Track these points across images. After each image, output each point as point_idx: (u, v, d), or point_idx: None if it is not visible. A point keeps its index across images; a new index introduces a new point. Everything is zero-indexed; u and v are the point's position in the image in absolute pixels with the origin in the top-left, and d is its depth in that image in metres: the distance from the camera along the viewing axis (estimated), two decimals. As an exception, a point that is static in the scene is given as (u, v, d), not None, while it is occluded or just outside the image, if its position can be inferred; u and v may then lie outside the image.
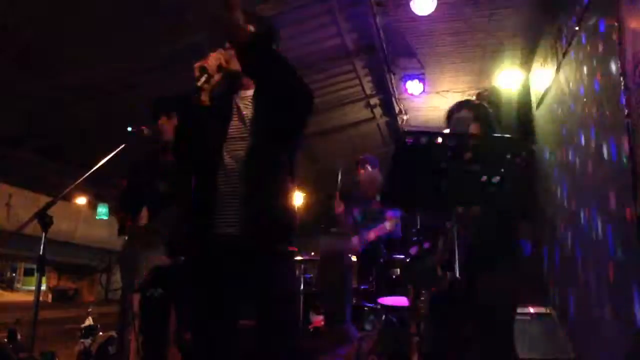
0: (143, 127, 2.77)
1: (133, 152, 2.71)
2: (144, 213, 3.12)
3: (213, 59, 1.85)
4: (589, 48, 3.28)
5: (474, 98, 5.72)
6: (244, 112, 1.95)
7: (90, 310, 4.99)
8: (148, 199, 3.07)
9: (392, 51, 5.22)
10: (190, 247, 1.98)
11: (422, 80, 5.55)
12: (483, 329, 2.30)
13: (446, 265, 2.29)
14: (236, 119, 1.95)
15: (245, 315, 1.94)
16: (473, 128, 2.43)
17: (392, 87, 6.01)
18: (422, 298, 2.46)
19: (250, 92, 1.98)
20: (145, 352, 2.92)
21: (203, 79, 1.81)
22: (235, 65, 1.89)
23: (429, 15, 4.25)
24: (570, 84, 3.69)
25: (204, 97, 1.88)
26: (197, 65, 1.82)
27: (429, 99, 6.17)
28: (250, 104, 1.96)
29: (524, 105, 5.24)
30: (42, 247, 2.23)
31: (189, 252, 2.00)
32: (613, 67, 2.73)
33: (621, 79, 2.56)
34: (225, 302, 1.87)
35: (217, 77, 1.87)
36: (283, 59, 1.86)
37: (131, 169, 3.13)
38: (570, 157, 3.64)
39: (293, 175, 1.95)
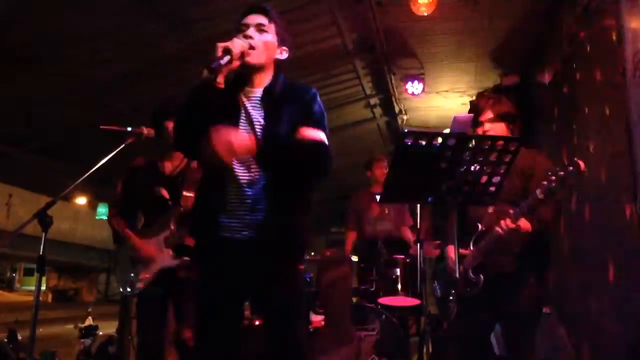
0: (143, 127, 2.77)
1: (133, 152, 2.71)
2: (140, 217, 3.11)
3: (239, 45, 1.78)
4: (589, 48, 3.28)
5: (474, 98, 5.73)
6: (252, 114, 1.88)
7: (90, 310, 5.00)
8: (145, 204, 3.05)
9: (392, 51, 5.22)
10: (197, 249, 1.96)
11: (422, 80, 5.55)
12: (509, 331, 2.32)
13: (478, 269, 2.29)
14: (244, 119, 1.88)
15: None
16: (498, 128, 2.41)
17: (392, 87, 6.01)
18: (451, 298, 2.45)
19: (257, 91, 1.92)
20: (143, 352, 2.91)
21: (226, 58, 1.73)
22: (253, 59, 1.84)
23: (429, 15, 4.25)
24: (570, 84, 3.69)
25: (220, 79, 1.79)
26: (221, 45, 1.74)
27: (429, 99, 6.17)
28: (258, 105, 1.90)
29: (524, 106, 5.24)
30: (42, 247, 2.23)
31: (195, 253, 1.98)
32: (613, 67, 2.73)
33: (621, 78, 2.56)
34: (229, 304, 1.87)
35: (235, 63, 1.79)
36: (299, 149, 1.82)
37: (128, 174, 3.12)
38: (570, 157, 3.64)
39: (308, 186, 1.93)
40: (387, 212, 4.43)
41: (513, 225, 2.10)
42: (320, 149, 1.85)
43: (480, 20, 4.56)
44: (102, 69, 5.05)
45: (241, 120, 1.88)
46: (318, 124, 1.89)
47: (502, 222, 2.13)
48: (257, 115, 1.88)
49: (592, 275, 3.13)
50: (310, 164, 1.83)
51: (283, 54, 1.96)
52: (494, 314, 2.36)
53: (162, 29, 4.48)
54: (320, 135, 1.87)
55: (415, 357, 3.71)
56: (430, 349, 3.29)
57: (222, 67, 1.73)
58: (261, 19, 1.90)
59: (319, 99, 1.95)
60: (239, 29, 1.88)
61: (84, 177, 2.39)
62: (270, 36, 1.90)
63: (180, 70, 4.85)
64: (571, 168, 1.91)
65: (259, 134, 1.84)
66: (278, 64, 1.97)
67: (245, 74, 1.90)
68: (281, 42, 1.95)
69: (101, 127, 2.59)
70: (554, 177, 1.95)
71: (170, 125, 2.94)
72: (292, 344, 1.82)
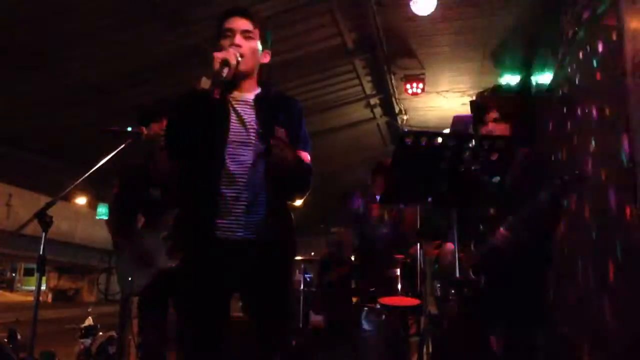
0: (143, 128, 2.77)
1: (132, 153, 2.71)
2: (140, 219, 3.11)
3: (233, 55, 1.79)
4: (589, 48, 3.27)
5: (473, 98, 5.73)
6: (244, 117, 1.90)
7: (90, 310, 4.99)
8: (142, 207, 3.05)
9: (392, 51, 5.23)
10: (191, 250, 1.96)
11: (422, 80, 5.55)
12: (510, 332, 2.33)
13: (479, 269, 2.29)
14: (235, 122, 1.89)
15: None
16: (502, 127, 2.41)
17: (392, 87, 6.02)
18: (451, 298, 2.45)
19: (246, 96, 1.94)
20: (144, 352, 2.91)
21: (226, 71, 1.74)
22: (243, 67, 1.86)
23: (429, 15, 4.26)
24: (571, 84, 3.69)
25: (217, 91, 1.80)
26: (220, 56, 1.75)
27: (429, 99, 6.18)
28: (250, 109, 1.92)
29: (524, 106, 5.23)
30: (42, 247, 2.23)
31: (190, 254, 1.98)
32: (613, 67, 2.73)
33: (621, 78, 2.56)
34: (218, 302, 1.88)
35: (230, 73, 1.80)
36: (304, 170, 1.91)
37: (122, 177, 3.12)
38: (570, 158, 3.64)
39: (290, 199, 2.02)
40: (387, 212, 4.43)
41: (509, 235, 2.12)
42: (308, 173, 1.95)
43: (480, 20, 4.57)
44: (102, 69, 5.05)
45: (232, 123, 1.89)
46: (306, 145, 1.98)
47: (498, 232, 2.16)
48: (249, 119, 1.90)
49: (592, 275, 3.13)
50: (299, 185, 1.95)
51: (267, 57, 1.99)
52: (494, 314, 2.36)
53: (162, 29, 4.49)
54: (308, 157, 1.97)
55: (415, 357, 3.71)
56: (430, 349, 3.29)
57: (223, 80, 1.76)
58: (247, 25, 1.89)
59: (303, 116, 2.02)
60: (224, 34, 1.88)
61: (84, 177, 2.39)
62: (256, 42, 1.92)
63: (180, 70, 4.85)
64: (576, 172, 1.92)
65: (252, 136, 1.87)
66: (262, 67, 1.99)
67: (234, 80, 1.91)
68: (265, 46, 1.97)
69: (101, 128, 2.60)
70: (557, 183, 1.95)
71: (155, 127, 2.92)
72: (281, 342, 1.86)
